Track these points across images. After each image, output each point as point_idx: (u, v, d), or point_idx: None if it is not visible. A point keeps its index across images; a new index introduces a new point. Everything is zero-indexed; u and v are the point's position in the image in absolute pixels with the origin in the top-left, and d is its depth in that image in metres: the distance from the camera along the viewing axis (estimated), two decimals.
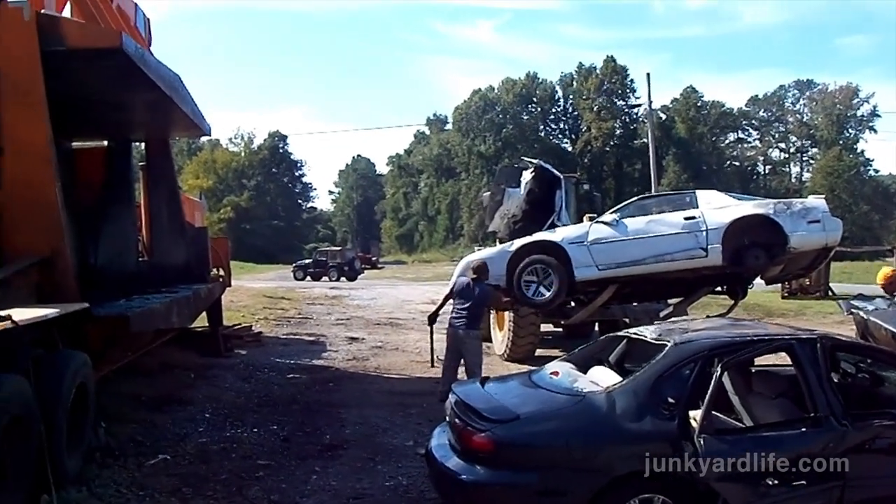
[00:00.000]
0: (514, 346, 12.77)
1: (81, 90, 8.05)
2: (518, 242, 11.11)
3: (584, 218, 11.78)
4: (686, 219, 10.45)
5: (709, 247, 10.21)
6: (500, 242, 12.44)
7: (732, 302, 12.03)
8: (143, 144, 12.75)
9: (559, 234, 10.93)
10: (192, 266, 12.20)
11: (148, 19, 11.85)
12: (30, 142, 6.68)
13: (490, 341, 13.96)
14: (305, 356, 13.54)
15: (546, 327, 14.22)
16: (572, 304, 12.18)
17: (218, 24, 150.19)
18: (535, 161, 13.21)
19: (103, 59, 6.99)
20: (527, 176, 12.88)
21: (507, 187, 13.81)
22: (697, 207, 10.63)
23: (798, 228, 10.12)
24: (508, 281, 10.74)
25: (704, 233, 10.26)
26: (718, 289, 12.17)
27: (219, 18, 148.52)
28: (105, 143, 11.28)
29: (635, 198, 12.16)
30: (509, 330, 12.75)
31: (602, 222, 10.80)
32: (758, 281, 12.01)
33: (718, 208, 10.52)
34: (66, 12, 8.91)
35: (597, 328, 14.29)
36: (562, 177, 12.69)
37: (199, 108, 10.82)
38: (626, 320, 12.44)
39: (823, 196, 11.22)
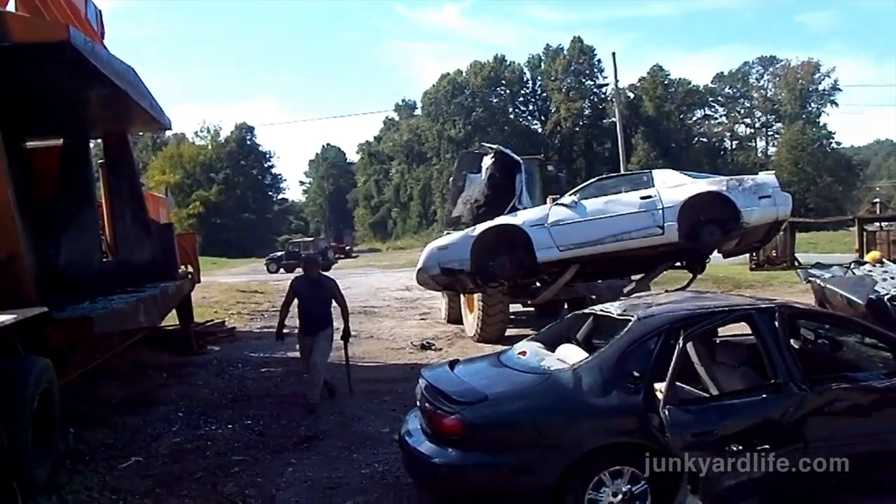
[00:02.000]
0: (484, 326, 12.98)
1: (31, 87, 7.87)
2: (480, 227, 11.27)
3: (548, 199, 11.84)
4: (642, 198, 10.71)
5: (665, 224, 10.48)
6: (466, 227, 12.54)
7: (691, 276, 12.24)
8: (101, 141, 12.52)
9: (520, 218, 11.06)
10: (158, 263, 12.02)
11: (100, 11, 11.58)
12: None
13: (461, 323, 14.37)
14: (279, 349, 13.32)
15: (519, 308, 14.62)
16: (538, 284, 12.33)
17: (179, 15, 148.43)
18: (494, 146, 13.28)
19: (51, 53, 6.82)
20: (487, 161, 12.96)
21: (468, 173, 13.94)
22: (654, 187, 10.88)
23: (750, 204, 10.48)
24: (472, 264, 10.96)
25: (661, 211, 10.52)
26: (679, 264, 12.36)
27: (179, 10, 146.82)
28: (61, 140, 11.06)
29: (594, 179, 12.41)
30: (479, 311, 12.96)
31: (562, 204, 11.01)
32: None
33: (674, 187, 10.80)
34: (11, 6, 8.67)
35: (566, 307, 14.30)
36: (521, 160, 12.75)
37: (157, 101, 10.65)
38: (594, 297, 12.60)
39: (774, 172, 11.54)
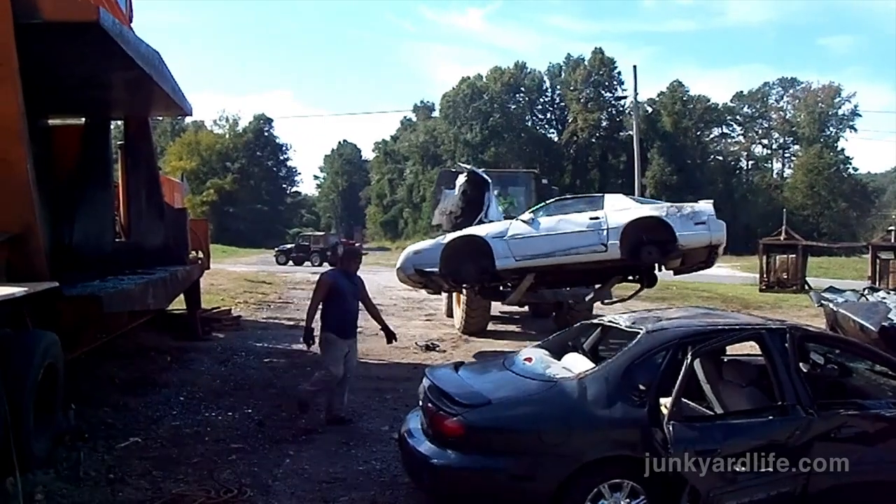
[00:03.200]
0: (468, 320, 14.62)
1: (57, 65, 7.92)
2: (450, 236, 12.68)
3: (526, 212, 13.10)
4: (591, 219, 11.93)
5: (608, 243, 11.64)
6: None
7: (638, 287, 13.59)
8: (122, 123, 12.59)
9: (483, 230, 12.41)
10: (170, 247, 12.07)
11: None
12: (0, 116, 6.54)
13: (452, 317, 16.13)
14: (284, 340, 13.48)
15: (516, 308, 16.27)
16: (510, 286, 13.19)
17: (205, 5, 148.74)
18: (467, 166, 15.11)
19: (79, 33, 6.84)
20: (461, 179, 14.34)
21: (444, 188, 15.53)
22: (603, 209, 12.11)
23: (686, 229, 11.59)
24: (442, 269, 12.27)
25: (605, 231, 11.70)
26: (632, 277, 13.49)
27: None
28: (83, 120, 11.12)
29: (554, 199, 13.81)
30: (463, 309, 14.59)
31: (521, 220, 12.27)
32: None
33: (620, 210, 12.03)
34: None
35: (554, 313, 15.66)
36: (489, 180, 14.23)
37: (179, 87, 10.67)
38: (571, 302, 14.19)
39: (712, 201, 12.54)
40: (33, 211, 6.77)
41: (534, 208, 12.89)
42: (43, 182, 7.40)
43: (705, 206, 12.05)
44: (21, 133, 6.67)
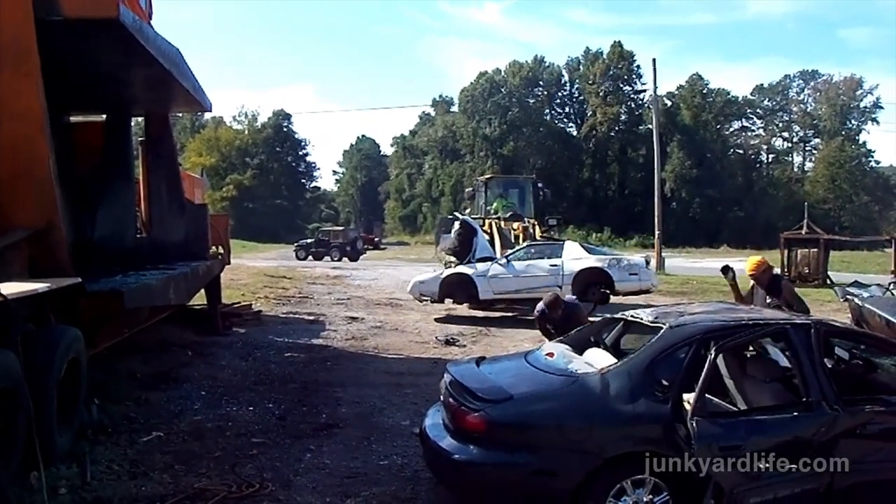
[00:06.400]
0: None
1: (78, 62, 7.95)
2: (446, 272, 16.77)
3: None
4: (551, 265, 15.99)
5: (563, 285, 15.12)
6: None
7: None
8: (142, 119, 12.65)
9: (471, 270, 16.38)
10: (190, 243, 12.16)
11: None
12: (23, 112, 6.56)
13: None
14: (304, 335, 13.52)
15: None
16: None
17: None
18: (461, 216, 19.13)
19: (100, 29, 6.88)
20: (456, 225, 18.11)
21: (443, 233, 19.95)
22: (561, 256, 16.13)
23: (622, 277, 15.76)
24: (439, 295, 16.44)
25: (561, 276, 15.67)
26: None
27: None
28: (104, 116, 11.18)
29: (525, 244, 18.07)
30: None
31: (499, 263, 16.32)
32: None
33: (574, 259, 16.06)
34: None
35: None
36: (478, 228, 17.95)
37: (199, 83, 10.71)
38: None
39: (645, 256, 17.76)
40: (56, 206, 6.81)
41: (511, 252, 17.04)
42: (65, 178, 7.44)
43: (640, 259, 16.66)
44: (44, 129, 6.72)
